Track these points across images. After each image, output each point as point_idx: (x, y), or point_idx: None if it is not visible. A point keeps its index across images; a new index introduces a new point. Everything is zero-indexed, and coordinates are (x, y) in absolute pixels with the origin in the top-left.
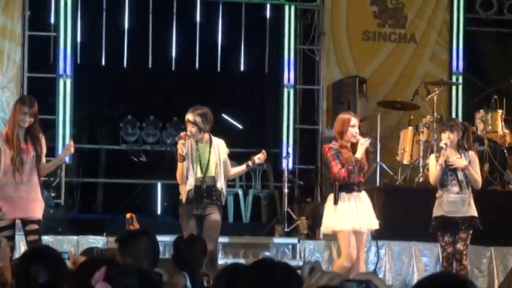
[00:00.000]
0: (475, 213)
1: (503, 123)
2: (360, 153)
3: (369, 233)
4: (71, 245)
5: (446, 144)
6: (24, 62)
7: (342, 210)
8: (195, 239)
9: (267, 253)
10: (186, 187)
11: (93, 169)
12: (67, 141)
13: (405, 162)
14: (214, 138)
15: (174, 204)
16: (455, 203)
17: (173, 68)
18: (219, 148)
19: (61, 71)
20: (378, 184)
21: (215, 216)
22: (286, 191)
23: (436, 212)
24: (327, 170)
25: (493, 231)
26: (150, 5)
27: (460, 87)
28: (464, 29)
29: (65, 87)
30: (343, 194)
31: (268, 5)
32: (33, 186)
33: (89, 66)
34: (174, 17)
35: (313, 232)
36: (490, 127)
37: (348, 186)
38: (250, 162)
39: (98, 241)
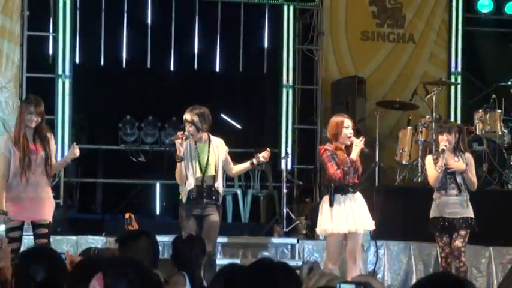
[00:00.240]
0: (472, 214)
1: (502, 123)
2: (354, 154)
3: (367, 233)
4: (69, 245)
5: (446, 147)
6: (23, 62)
7: (337, 212)
8: (194, 239)
9: (266, 253)
10: (186, 187)
11: (92, 169)
12: (66, 142)
13: (404, 162)
14: (213, 138)
15: (173, 204)
16: (455, 205)
17: (172, 68)
18: (218, 147)
19: (60, 71)
20: (376, 184)
21: (215, 217)
22: (285, 191)
23: (434, 213)
24: (323, 171)
25: (492, 231)
26: (148, 5)
27: (459, 87)
28: (463, 28)
29: (63, 88)
30: (338, 196)
31: (266, 5)
32: (43, 186)
33: (88, 66)
34: (173, 17)
35: (312, 232)
36: (488, 127)
37: (342, 188)
38: (254, 160)
39: (97, 241)
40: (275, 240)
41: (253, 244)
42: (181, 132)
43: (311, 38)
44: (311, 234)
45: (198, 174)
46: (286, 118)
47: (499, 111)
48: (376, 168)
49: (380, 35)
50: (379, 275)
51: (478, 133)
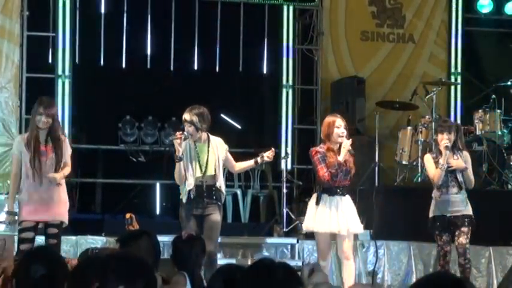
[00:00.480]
0: (471, 212)
1: (501, 123)
2: (342, 157)
3: (367, 233)
4: (69, 245)
5: (448, 145)
6: (22, 62)
7: (322, 212)
8: (194, 238)
9: (266, 253)
10: (186, 187)
11: (91, 169)
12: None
13: (404, 162)
14: (212, 137)
15: (173, 204)
16: (456, 203)
17: (172, 68)
18: (218, 146)
19: (60, 71)
20: (376, 184)
21: (215, 216)
22: (285, 191)
23: (434, 212)
24: (315, 173)
25: (491, 231)
26: (148, 5)
27: (459, 87)
28: (463, 29)
29: (63, 88)
30: (325, 196)
31: (266, 5)
32: (55, 187)
33: (88, 66)
34: (173, 17)
35: (311, 232)
36: (488, 127)
37: (331, 189)
38: (259, 159)
39: (97, 241)
40: (275, 240)
41: (253, 244)
42: (180, 132)
43: (311, 38)
44: (311, 234)
45: (198, 174)
46: (286, 118)
47: (499, 111)
48: (376, 168)
49: (380, 35)
50: (379, 275)
51: (477, 133)
